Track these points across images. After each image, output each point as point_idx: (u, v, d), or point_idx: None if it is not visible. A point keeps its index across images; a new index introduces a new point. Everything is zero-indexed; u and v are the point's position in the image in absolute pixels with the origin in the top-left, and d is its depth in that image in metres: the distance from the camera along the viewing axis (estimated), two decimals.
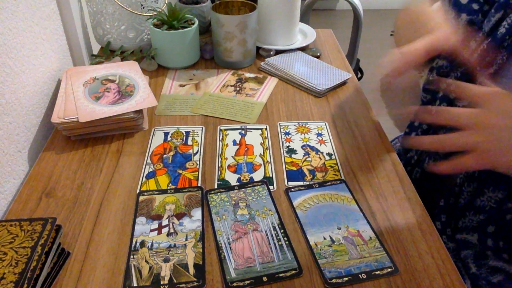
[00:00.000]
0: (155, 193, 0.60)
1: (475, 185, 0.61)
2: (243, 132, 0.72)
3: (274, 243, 0.53)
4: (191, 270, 0.49)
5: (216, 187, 0.61)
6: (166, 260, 0.50)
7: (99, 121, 0.67)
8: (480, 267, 0.59)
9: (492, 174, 0.58)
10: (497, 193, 0.59)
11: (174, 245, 0.52)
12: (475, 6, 0.65)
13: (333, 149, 0.69)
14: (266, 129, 0.73)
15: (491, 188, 0.59)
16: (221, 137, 0.71)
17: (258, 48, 0.96)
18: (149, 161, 0.66)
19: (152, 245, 0.52)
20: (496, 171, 0.57)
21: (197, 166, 0.65)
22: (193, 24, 0.87)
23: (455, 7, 0.67)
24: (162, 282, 0.48)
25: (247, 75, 0.90)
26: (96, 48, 0.98)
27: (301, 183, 0.62)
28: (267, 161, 0.66)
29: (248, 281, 0.48)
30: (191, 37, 0.87)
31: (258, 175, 0.63)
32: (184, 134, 0.71)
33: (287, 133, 0.72)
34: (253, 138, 0.71)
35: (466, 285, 0.49)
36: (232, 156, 0.67)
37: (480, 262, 0.60)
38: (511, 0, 0.58)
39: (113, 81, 0.75)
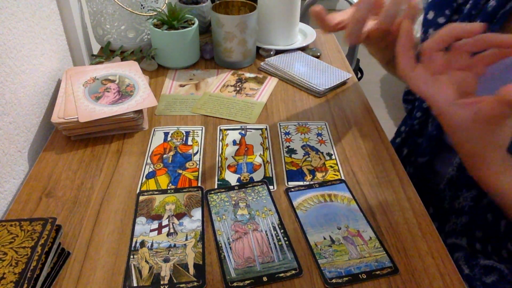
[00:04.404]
0: (155, 193, 0.60)
1: (454, 190, 0.62)
2: (243, 132, 0.72)
3: (274, 243, 0.53)
4: (191, 270, 0.49)
5: (216, 187, 0.61)
6: (166, 260, 0.50)
7: (99, 121, 0.67)
8: (473, 268, 0.60)
9: (467, 177, 0.59)
10: (471, 191, 0.60)
11: (174, 245, 0.52)
12: (441, 20, 0.65)
13: (333, 149, 0.69)
14: (266, 129, 0.73)
15: (463, 190, 0.61)
16: (221, 137, 0.71)
17: (258, 48, 0.96)
18: (149, 161, 0.66)
19: (152, 245, 0.52)
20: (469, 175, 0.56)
21: (197, 166, 0.65)
22: (193, 24, 0.87)
23: (424, 26, 0.67)
24: (162, 282, 0.48)
25: (247, 75, 0.90)
26: (96, 48, 0.98)
27: (301, 183, 0.62)
28: (267, 161, 0.66)
29: (248, 281, 0.48)
30: (191, 37, 0.87)
31: (258, 175, 0.63)
32: (184, 134, 0.71)
33: (287, 133, 0.72)
34: (253, 138, 0.71)
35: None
36: (232, 156, 0.67)
37: (471, 262, 0.60)
38: (498, 14, 0.58)
39: (113, 81, 0.75)
